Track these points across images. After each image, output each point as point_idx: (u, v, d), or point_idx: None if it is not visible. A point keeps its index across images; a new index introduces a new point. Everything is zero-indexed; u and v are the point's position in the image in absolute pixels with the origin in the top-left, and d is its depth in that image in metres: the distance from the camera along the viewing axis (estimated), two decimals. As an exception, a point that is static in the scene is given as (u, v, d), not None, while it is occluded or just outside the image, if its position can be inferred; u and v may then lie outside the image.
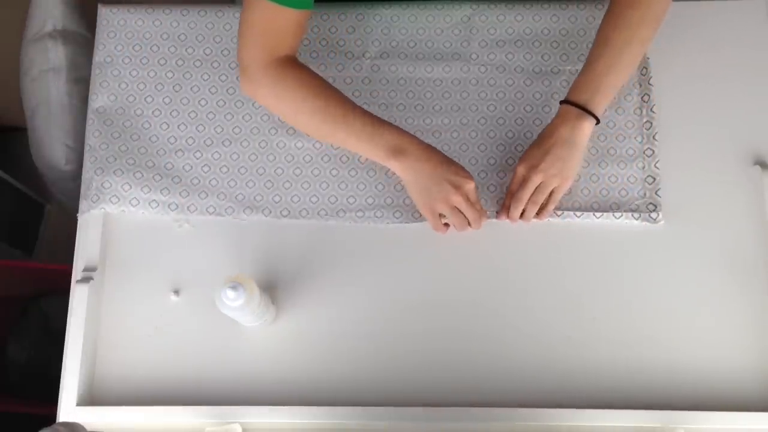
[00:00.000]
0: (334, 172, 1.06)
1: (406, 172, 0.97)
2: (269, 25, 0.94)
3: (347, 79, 1.10)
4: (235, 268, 1.02)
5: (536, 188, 0.97)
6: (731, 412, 0.93)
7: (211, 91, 1.10)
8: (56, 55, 1.18)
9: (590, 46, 0.98)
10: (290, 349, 0.99)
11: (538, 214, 1.00)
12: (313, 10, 1.12)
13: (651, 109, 1.07)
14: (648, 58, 1.09)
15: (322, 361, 0.99)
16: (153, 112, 1.09)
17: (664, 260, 1.01)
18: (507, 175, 1.04)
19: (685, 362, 0.97)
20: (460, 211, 0.97)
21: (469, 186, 0.95)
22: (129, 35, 1.13)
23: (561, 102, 0.98)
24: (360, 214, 1.04)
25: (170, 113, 1.09)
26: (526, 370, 0.98)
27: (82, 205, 1.06)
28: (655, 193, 1.03)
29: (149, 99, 1.10)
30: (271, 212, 1.05)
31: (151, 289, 1.03)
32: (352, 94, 1.08)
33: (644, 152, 1.05)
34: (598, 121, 0.96)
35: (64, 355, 0.98)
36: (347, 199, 1.05)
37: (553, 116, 0.98)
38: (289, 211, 1.05)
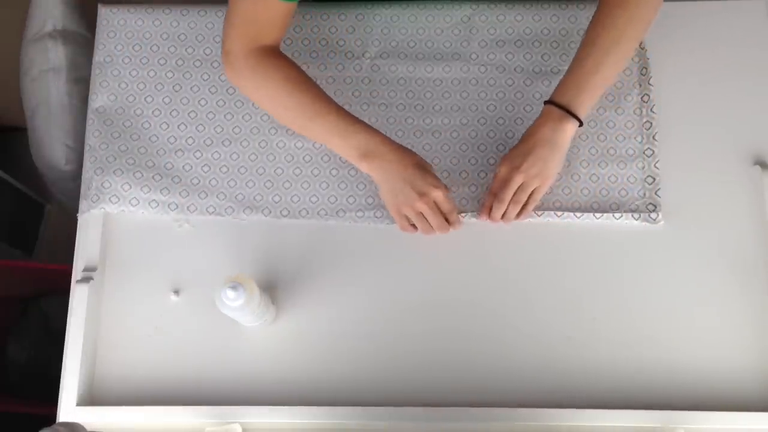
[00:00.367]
0: (334, 171, 1.06)
1: (376, 172, 0.97)
2: (255, 15, 0.95)
3: (347, 79, 1.10)
4: (235, 268, 1.02)
5: (518, 188, 0.97)
6: (731, 412, 0.93)
7: (210, 91, 1.10)
8: (56, 55, 1.18)
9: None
10: (290, 349, 1.00)
11: (518, 214, 1.00)
12: (313, 10, 1.13)
13: (651, 109, 1.07)
14: (648, 59, 1.09)
15: (322, 361, 0.99)
16: (153, 111, 1.09)
17: (664, 260, 1.01)
18: (507, 175, 1.05)
19: (685, 362, 0.97)
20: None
21: (436, 193, 0.95)
22: (129, 35, 1.13)
23: (545, 102, 0.97)
24: (360, 214, 1.04)
25: (170, 113, 1.09)
26: (526, 370, 0.98)
27: (82, 205, 1.06)
28: (655, 193, 1.03)
29: (149, 99, 1.10)
30: (271, 212, 1.05)
31: (151, 289, 1.03)
32: (352, 94, 1.09)
33: (644, 152, 1.05)
34: (581, 122, 0.96)
35: (64, 355, 0.98)
36: (347, 199, 1.05)
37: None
38: (289, 211, 1.05)
